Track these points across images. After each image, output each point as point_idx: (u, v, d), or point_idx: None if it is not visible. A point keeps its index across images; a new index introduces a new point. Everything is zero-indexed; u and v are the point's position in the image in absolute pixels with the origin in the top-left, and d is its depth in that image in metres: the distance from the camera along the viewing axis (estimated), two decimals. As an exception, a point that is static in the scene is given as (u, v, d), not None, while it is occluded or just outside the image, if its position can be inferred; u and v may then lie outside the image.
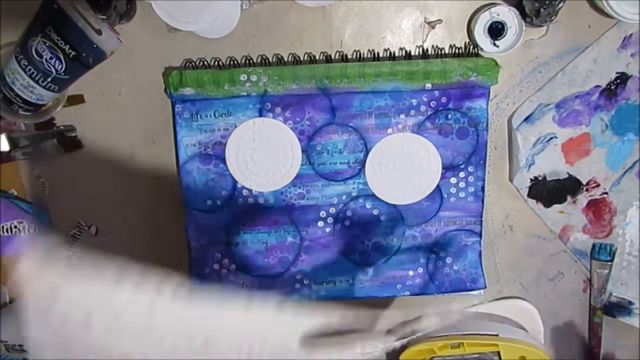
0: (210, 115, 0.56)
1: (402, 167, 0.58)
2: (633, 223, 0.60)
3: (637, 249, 0.61)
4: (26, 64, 0.47)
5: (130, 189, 0.60)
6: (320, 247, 0.60)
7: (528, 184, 0.59)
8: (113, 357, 0.39)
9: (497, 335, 0.57)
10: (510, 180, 0.60)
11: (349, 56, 0.55)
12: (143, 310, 0.37)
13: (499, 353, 0.56)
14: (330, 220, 0.59)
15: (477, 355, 0.57)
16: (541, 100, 0.56)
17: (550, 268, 0.63)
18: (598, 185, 0.59)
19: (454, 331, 0.59)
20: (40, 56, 0.46)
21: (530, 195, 0.60)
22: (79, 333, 0.38)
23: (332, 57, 0.55)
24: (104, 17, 0.49)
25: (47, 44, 0.46)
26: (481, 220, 0.59)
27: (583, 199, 0.60)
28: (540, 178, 0.59)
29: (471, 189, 0.58)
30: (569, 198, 0.60)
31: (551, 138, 0.57)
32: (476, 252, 0.60)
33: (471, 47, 0.55)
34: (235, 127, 0.56)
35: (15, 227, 0.58)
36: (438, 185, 0.58)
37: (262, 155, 0.57)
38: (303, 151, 0.57)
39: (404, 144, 0.57)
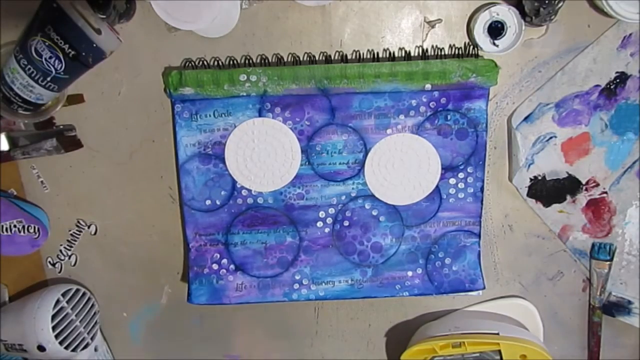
0: (210, 115, 0.56)
1: (402, 167, 0.58)
2: (632, 222, 0.60)
3: (637, 249, 0.61)
4: (26, 63, 0.47)
5: (130, 188, 0.60)
6: (319, 248, 0.60)
7: (527, 183, 0.59)
8: None
9: (498, 334, 0.57)
10: (510, 179, 0.60)
11: (349, 56, 0.55)
12: None
13: (500, 352, 0.56)
14: (329, 220, 0.59)
15: (478, 354, 0.57)
16: (541, 99, 0.56)
17: (550, 267, 0.63)
18: (597, 185, 0.59)
19: (455, 330, 0.59)
20: (40, 55, 0.46)
21: (529, 194, 0.60)
22: None
23: (332, 57, 0.55)
24: (104, 16, 0.49)
25: (47, 43, 0.46)
26: (480, 221, 0.59)
27: (582, 198, 0.60)
28: (539, 177, 0.59)
29: (470, 190, 0.58)
30: (568, 197, 0.60)
31: (551, 137, 0.57)
32: (475, 253, 0.60)
33: (471, 47, 0.55)
34: (235, 127, 0.56)
35: (15, 226, 0.58)
36: (437, 186, 0.58)
37: (262, 155, 0.57)
38: (302, 151, 0.57)
39: (403, 145, 0.57)
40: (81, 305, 0.61)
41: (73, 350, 0.59)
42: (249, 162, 0.57)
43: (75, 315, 0.60)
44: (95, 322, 0.63)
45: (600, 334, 0.64)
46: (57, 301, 0.58)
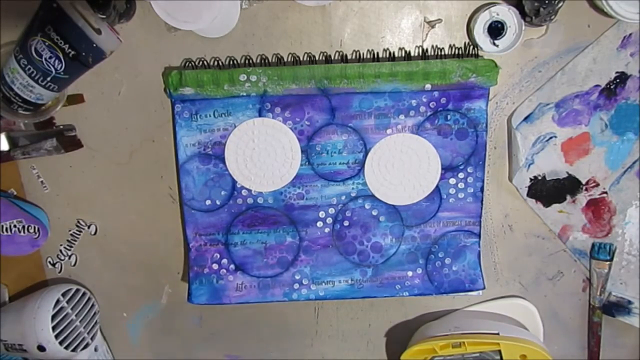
0: (210, 115, 0.56)
1: (402, 167, 0.58)
2: (632, 222, 0.60)
3: (637, 249, 0.61)
4: (26, 63, 0.47)
5: (130, 188, 0.60)
6: (319, 248, 0.60)
7: (527, 183, 0.59)
8: None
9: (498, 334, 0.57)
10: (510, 179, 0.60)
11: (349, 56, 0.55)
12: None
13: (500, 352, 0.56)
14: (329, 220, 0.59)
15: (478, 354, 0.57)
16: (541, 99, 0.56)
17: (550, 267, 0.63)
18: (597, 185, 0.59)
19: (455, 330, 0.59)
20: (40, 55, 0.46)
21: (529, 194, 0.60)
22: None
23: (332, 57, 0.55)
24: (104, 16, 0.49)
25: (47, 43, 0.46)
26: (480, 221, 0.59)
27: (582, 198, 0.60)
28: (539, 177, 0.59)
29: (470, 190, 0.58)
30: (568, 197, 0.60)
31: (551, 137, 0.57)
32: (475, 253, 0.60)
33: (471, 47, 0.55)
34: (235, 127, 0.56)
35: (15, 226, 0.58)
36: (437, 186, 0.58)
37: (262, 155, 0.57)
38: (302, 151, 0.57)
39: (403, 145, 0.57)
40: (81, 305, 0.61)
41: (73, 350, 0.59)
42: (249, 162, 0.57)
43: (75, 315, 0.60)
44: (95, 322, 0.63)
45: (600, 334, 0.64)
46: (57, 301, 0.58)
